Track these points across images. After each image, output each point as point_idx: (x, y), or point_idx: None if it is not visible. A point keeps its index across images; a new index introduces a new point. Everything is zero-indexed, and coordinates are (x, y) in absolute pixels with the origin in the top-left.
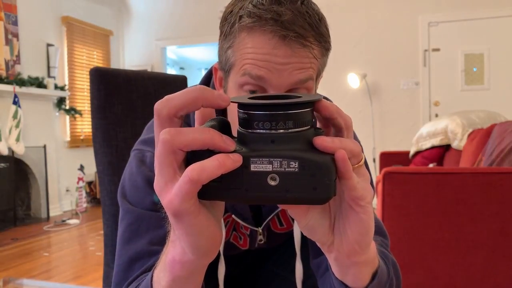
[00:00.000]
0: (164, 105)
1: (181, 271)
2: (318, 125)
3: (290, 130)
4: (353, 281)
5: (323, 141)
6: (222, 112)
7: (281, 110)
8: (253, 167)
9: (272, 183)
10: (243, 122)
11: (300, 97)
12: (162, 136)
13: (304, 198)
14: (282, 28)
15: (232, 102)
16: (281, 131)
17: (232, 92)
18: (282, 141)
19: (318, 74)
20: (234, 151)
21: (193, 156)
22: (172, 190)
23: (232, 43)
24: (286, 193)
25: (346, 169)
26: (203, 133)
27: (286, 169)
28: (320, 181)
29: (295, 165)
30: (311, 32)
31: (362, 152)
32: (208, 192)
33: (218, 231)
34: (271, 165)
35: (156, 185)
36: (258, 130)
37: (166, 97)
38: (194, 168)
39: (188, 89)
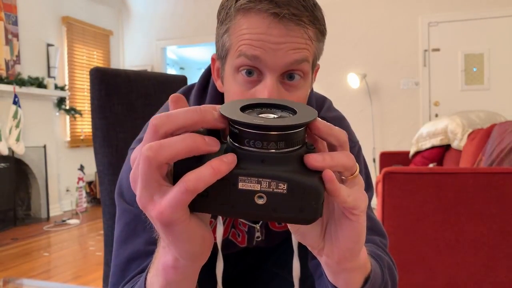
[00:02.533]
0: (163, 122)
1: (174, 275)
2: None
3: (281, 151)
4: (344, 286)
5: (313, 160)
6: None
7: (275, 131)
8: (241, 185)
9: (260, 201)
10: (233, 136)
11: (294, 110)
12: (145, 153)
13: (290, 218)
14: (276, 7)
15: (223, 116)
16: (272, 151)
17: (229, 77)
18: (272, 162)
19: (315, 60)
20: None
21: (179, 163)
22: (161, 201)
23: (228, 27)
24: (272, 212)
25: (333, 188)
26: (185, 142)
27: (274, 190)
28: (307, 203)
29: (284, 187)
30: (305, 13)
31: (362, 152)
32: (194, 204)
33: (208, 234)
34: (259, 185)
35: (141, 199)
36: (249, 148)
37: (166, 113)
38: (189, 179)
39: (190, 110)
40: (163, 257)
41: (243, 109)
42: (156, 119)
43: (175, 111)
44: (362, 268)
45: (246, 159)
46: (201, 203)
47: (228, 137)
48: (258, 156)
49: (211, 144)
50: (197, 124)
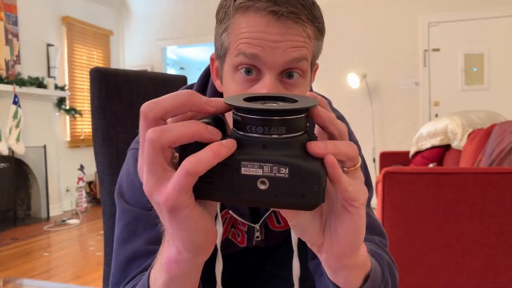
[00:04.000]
0: (151, 107)
1: (177, 270)
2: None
3: (282, 136)
4: (344, 283)
5: (315, 147)
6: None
7: (274, 116)
8: (243, 171)
9: (262, 187)
10: (236, 124)
11: (296, 101)
12: (149, 136)
13: (292, 203)
14: (275, 5)
15: (226, 103)
16: (274, 136)
17: (227, 77)
18: (274, 147)
19: (314, 59)
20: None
21: (183, 150)
22: (166, 186)
23: (226, 26)
24: (275, 197)
25: (335, 173)
26: (187, 127)
27: (276, 175)
28: (309, 188)
29: (285, 171)
30: (303, 11)
31: (361, 152)
32: (198, 191)
33: (212, 226)
34: (261, 170)
35: (147, 185)
36: (251, 134)
37: (153, 100)
38: (190, 161)
39: (176, 93)
40: (167, 251)
41: (247, 100)
42: (144, 106)
43: (163, 97)
44: (362, 266)
45: (249, 144)
46: (205, 190)
47: (232, 127)
48: (260, 142)
49: (213, 132)
50: (185, 106)
